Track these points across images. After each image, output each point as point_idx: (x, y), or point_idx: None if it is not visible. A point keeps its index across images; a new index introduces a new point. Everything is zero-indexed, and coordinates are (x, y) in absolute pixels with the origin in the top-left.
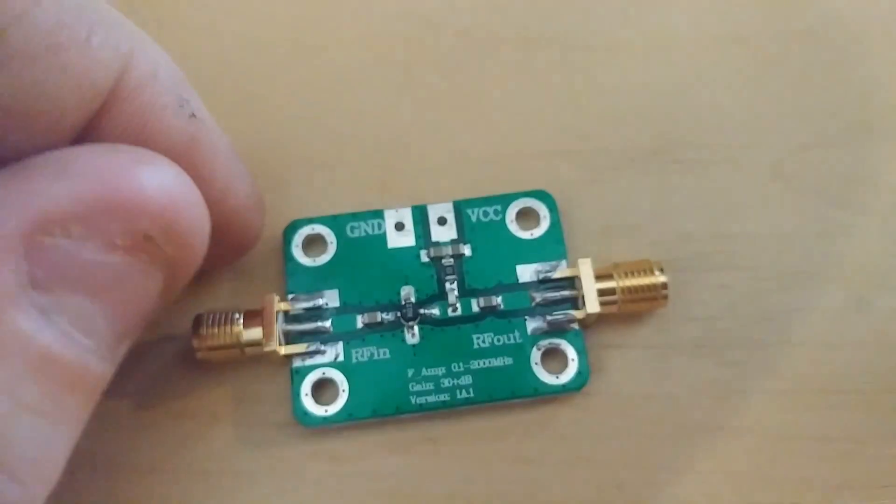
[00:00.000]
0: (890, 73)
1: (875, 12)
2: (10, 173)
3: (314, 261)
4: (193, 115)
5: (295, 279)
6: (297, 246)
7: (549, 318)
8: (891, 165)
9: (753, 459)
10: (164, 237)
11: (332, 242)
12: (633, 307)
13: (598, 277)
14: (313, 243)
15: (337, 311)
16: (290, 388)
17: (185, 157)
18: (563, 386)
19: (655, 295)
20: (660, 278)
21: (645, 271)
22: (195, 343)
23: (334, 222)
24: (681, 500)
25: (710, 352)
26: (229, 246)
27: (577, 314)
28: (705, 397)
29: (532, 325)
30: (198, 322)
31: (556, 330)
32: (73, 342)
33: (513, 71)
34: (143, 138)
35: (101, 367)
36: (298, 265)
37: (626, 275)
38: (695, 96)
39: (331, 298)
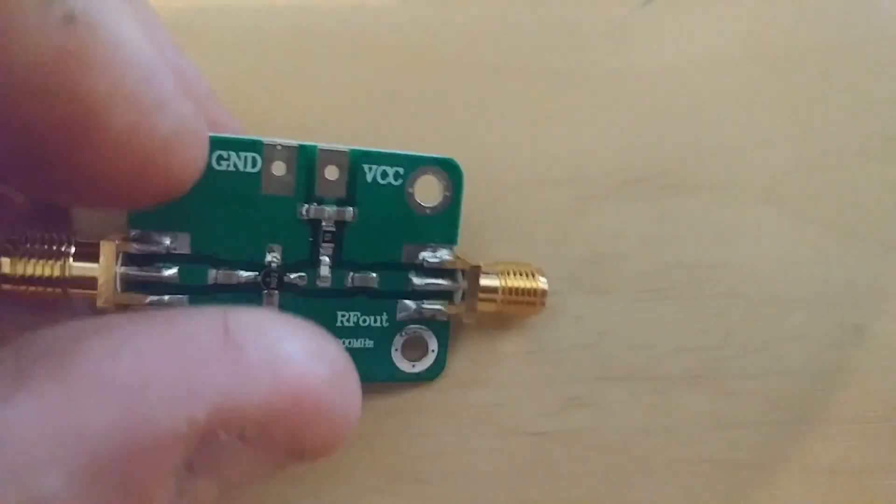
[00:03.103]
0: (880, 96)
1: (864, 34)
2: (218, 345)
3: None
4: (71, 19)
5: (140, 212)
6: None
7: (422, 306)
8: (884, 188)
9: (751, 493)
10: (313, 449)
11: None
12: (512, 309)
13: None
14: None
15: (186, 260)
16: None
17: (52, 90)
18: (417, 374)
19: (535, 301)
20: (542, 285)
21: (527, 274)
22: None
23: None
24: None
25: (706, 382)
26: (146, 188)
27: (452, 310)
28: (701, 430)
29: (402, 311)
30: (12, 245)
31: (425, 319)
32: None
33: (499, 99)
34: None
35: None
36: None
37: (510, 274)
38: (684, 122)
39: (181, 243)
